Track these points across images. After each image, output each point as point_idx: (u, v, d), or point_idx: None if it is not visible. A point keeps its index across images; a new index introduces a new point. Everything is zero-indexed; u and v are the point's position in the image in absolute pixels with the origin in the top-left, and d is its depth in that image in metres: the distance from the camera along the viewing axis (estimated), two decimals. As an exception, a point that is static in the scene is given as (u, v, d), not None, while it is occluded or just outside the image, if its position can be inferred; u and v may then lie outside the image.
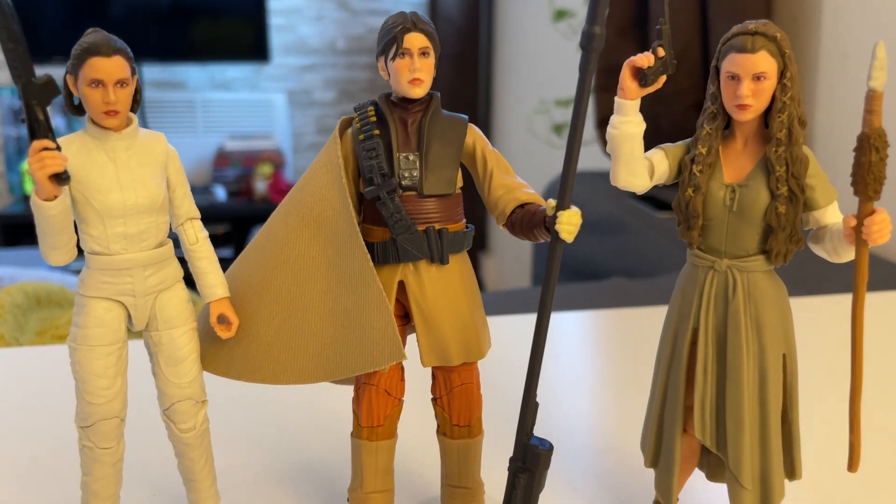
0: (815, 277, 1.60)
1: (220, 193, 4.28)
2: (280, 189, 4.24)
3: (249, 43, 4.33)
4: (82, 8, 4.15)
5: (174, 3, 4.20)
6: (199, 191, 4.30)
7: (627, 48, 2.84)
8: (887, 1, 1.89)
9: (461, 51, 4.56)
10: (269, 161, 4.37)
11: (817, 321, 1.39)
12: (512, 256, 4.27)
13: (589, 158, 2.37)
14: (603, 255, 2.57)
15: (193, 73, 4.55)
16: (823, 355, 1.20)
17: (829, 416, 0.93)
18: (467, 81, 4.62)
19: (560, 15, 3.10)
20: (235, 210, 4.26)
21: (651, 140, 0.73)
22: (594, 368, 1.35)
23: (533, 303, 2.05)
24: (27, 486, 0.91)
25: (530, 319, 1.45)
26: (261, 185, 4.31)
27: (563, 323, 1.52)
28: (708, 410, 0.74)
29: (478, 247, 4.67)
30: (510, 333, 1.18)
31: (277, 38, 4.55)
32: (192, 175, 4.48)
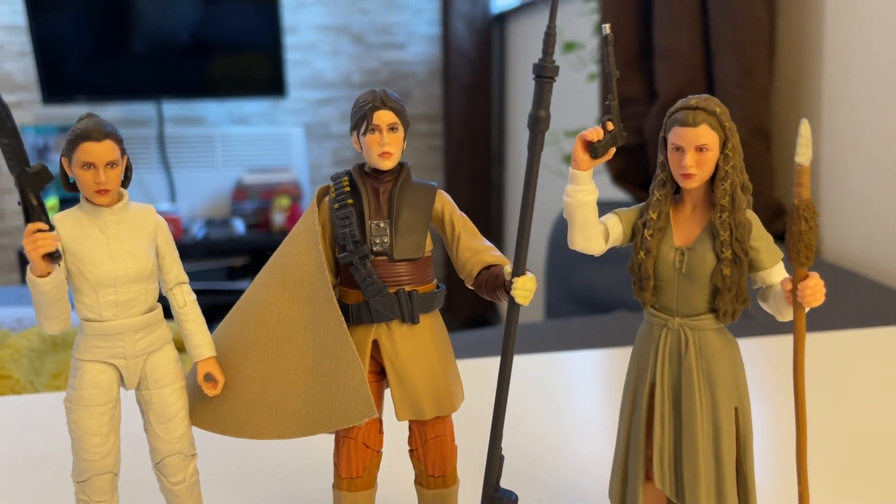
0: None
1: (239, 226, 4.37)
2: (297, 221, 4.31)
3: (267, 78, 4.43)
4: (105, 47, 4.29)
5: (193, 41, 4.32)
6: (219, 224, 4.39)
7: (633, 79, 2.88)
8: (887, 32, 1.92)
9: (473, 82, 4.64)
10: (286, 193, 4.46)
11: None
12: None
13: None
14: (609, 286, 2.60)
15: (212, 109, 4.67)
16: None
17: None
18: (480, 112, 4.69)
19: (569, 47, 3.16)
20: (254, 242, 4.35)
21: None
22: (593, 409, 1.38)
23: (542, 339, 2.07)
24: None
25: (532, 359, 1.49)
26: (279, 218, 4.40)
27: (565, 363, 1.55)
28: (666, 461, 0.77)
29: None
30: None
31: (294, 72, 4.66)
32: (212, 209, 4.58)
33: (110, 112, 4.39)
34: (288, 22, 4.54)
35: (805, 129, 0.64)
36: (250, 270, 4.33)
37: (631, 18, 2.76)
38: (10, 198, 4.54)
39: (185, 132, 4.58)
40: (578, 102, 3.35)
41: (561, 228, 2.93)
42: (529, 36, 4.25)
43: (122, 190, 0.78)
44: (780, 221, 2.31)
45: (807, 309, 0.70)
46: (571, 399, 1.39)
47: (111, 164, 0.75)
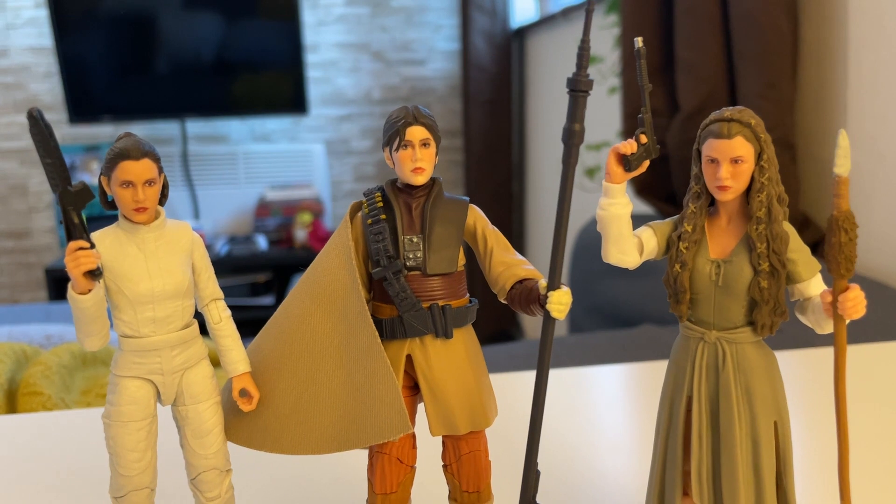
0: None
1: (262, 242, 4.40)
2: (319, 237, 4.34)
3: (288, 96, 4.47)
4: (130, 68, 4.35)
5: (215, 60, 4.37)
6: (242, 241, 4.42)
7: (655, 93, 2.88)
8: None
9: (493, 97, 4.65)
10: (308, 210, 4.49)
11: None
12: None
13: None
14: (634, 299, 2.59)
15: (235, 127, 4.71)
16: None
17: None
18: (500, 127, 4.69)
19: (590, 61, 3.17)
20: (277, 258, 4.37)
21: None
22: (621, 424, 1.37)
23: (567, 353, 2.06)
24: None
25: (558, 374, 1.48)
26: (301, 234, 4.42)
27: (591, 378, 1.54)
28: (705, 476, 0.77)
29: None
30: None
31: (315, 90, 4.70)
32: (235, 225, 4.62)
33: (135, 131, 4.41)
34: (309, 40, 4.59)
35: (843, 139, 0.64)
36: (273, 286, 4.35)
37: (652, 31, 2.75)
38: (38, 216, 4.60)
39: (209, 150, 4.63)
40: (599, 116, 3.34)
41: (584, 242, 2.92)
42: (549, 50, 4.26)
43: (160, 207, 0.79)
44: (805, 233, 2.29)
45: (847, 321, 0.69)
46: (599, 414, 1.38)
47: (149, 183, 0.76)
